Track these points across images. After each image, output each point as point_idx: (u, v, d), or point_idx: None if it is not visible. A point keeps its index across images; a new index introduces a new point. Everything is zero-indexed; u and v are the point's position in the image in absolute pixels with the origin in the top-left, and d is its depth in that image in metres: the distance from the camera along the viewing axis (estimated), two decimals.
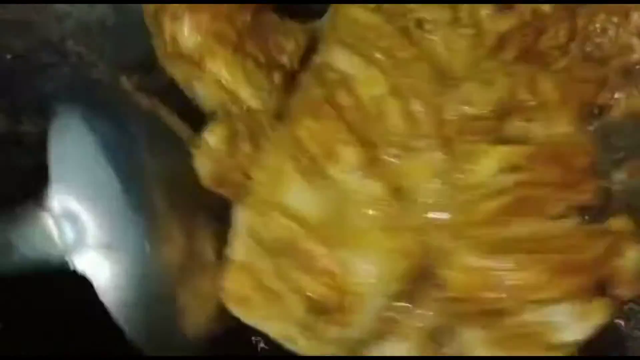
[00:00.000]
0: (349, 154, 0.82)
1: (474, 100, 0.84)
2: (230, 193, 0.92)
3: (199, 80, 0.98)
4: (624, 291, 0.86)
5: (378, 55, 0.86)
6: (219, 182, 0.91)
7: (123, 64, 1.09)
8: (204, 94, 0.99)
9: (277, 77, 0.98)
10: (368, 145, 0.83)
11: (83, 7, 1.10)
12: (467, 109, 0.84)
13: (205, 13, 0.97)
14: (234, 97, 0.96)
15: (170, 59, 1.00)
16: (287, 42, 1.02)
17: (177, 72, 1.01)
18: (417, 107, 0.83)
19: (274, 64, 0.99)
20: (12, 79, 1.09)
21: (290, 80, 0.99)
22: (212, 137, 0.91)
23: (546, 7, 0.92)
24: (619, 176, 0.93)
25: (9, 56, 1.10)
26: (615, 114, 0.99)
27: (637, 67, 0.98)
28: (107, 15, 1.11)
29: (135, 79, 1.02)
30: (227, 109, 0.98)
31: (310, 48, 1.01)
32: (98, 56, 1.10)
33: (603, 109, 0.97)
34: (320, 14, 1.07)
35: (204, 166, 0.91)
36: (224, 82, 0.96)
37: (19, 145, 1.07)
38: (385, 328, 0.85)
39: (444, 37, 0.87)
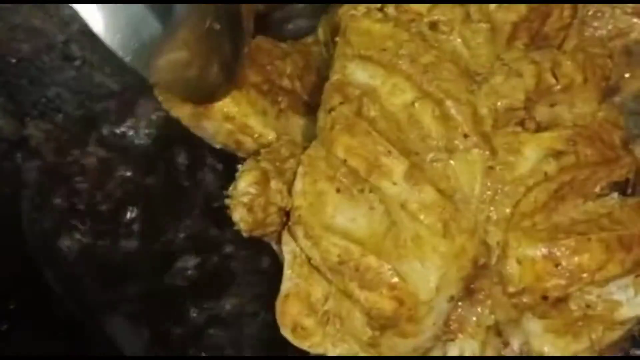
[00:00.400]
0: (394, 164, 0.81)
1: (506, 92, 0.85)
2: (270, 232, 0.92)
3: (207, 118, 0.98)
4: None
5: (401, 64, 0.86)
6: (256, 226, 0.91)
7: None
8: (213, 130, 0.99)
9: (282, 101, 0.99)
10: (409, 153, 0.83)
11: None
12: (500, 102, 0.85)
13: None
14: (243, 127, 0.97)
15: (173, 102, 1.00)
16: (285, 65, 1.03)
17: (184, 114, 1.00)
18: (450, 107, 0.84)
19: (276, 89, 1.00)
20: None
21: (300, 102, 1.00)
22: (243, 182, 0.90)
23: None
24: None
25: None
26: (625, 94, 1.02)
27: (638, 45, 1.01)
28: None
29: None
30: (238, 141, 0.98)
31: (307, 65, 1.02)
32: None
33: (613, 90, 1.00)
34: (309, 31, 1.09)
35: (239, 213, 0.90)
36: (231, 114, 0.97)
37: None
38: (451, 329, 0.86)
39: (461, 35, 0.88)
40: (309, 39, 1.08)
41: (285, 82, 1.01)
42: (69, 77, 1.12)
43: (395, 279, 0.80)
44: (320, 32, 1.07)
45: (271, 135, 0.97)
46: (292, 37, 1.10)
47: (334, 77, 0.90)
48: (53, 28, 1.11)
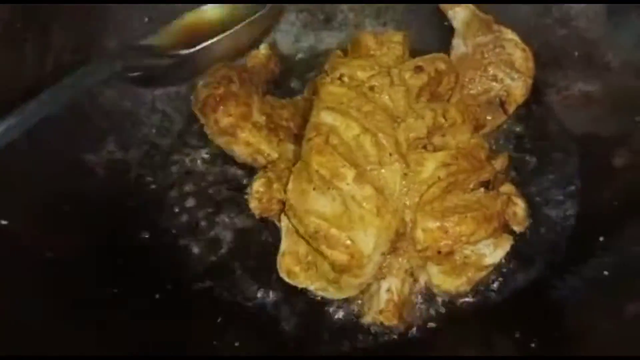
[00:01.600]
0: (347, 172, 0.83)
1: (415, 128, 0.87)
2: (274, 214, 0.95)
3: (235, 144, 1.00)
4: (519, 227, 0.93)
5: (351, 111, 0.88)
6: (264, 211, 0.94)
7: None
8: (239, 152, 1.01)
9: (282, 134, 1.01)
10: (356, 165, 0.84)
11: None
12: (411, 134, 0.87)
13: (232, 102, 0.99)
14: (259, 150, 0.99)
15: (216, 135, 1.01)
16: (284, 113, 1.05)
17: (221, 142, 1.02)
18: (381, 138, 0.86)
19: (279, 127, 1.01)
20: None
21: (291, 135, 1.02)
22: (256, 185, 0.94)
23: (442, 65, 0.96)
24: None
25: None
26: (488, 129, 1.05)
27: (497, 100, 1.04)
28: None
29: None
30: (255, 158, 1.01)
31: (297, 112, 1.04)
32: None
33: (481, 126, 1.03)
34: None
35: (253, 204, 0.94)
36: (250, 142, 0.99)
37: None
38: (382, 272, 0.87)
39: (388, 94, 0.89)
40: (299, 97, 1.09)
41: (284, 123, 1.03)
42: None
43: (349, 242, 0.81)
44: (306, 93, 1.09)
45: (275, 155, 0.99)
46: (289, 96, 1.11)
47: (312, 119, 0.91)
48: None
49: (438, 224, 0.84)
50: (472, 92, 1.04)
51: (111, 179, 1.03)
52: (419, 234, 0.85)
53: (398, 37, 0.98)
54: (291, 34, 1.22)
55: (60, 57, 1.02)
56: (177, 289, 0.93)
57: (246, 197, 0.95)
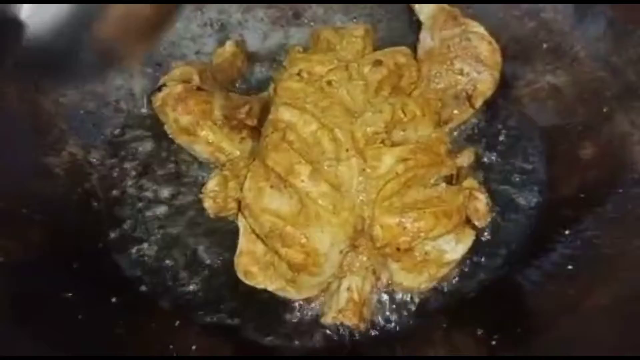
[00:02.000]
0: (302, 169, 0.82)
1: (372, 123, 0.86)
2: (230, 214, 0.93)
3: (196, 143, 0.98)
4: (481, 222, 0.91)
5: (308, 107, 0.87)
6: (219, 211, 0.92)
7: None
8: (200, 151, 0.99)
9: (244, 132, 0.99)
10: (312, 162, 0.83)
11: None
12: (369, 129, 0.86)
13: (191, 100, 0.97)
14: (220, 149, 0.97)
15: (176, 134, 0.99)
16: (247, 109, 1.02)
17: (182, 141, 1.00)
18: (338, 133, 0.85)
19: (241, 124, 0.99)
20: None
21: (254, 132, 0.99)
22: (210, 183, 0.92)
23: (402, 59, 0.95)
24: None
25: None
26: (454, 123, 1.03)
27: (463, 94, 1.03)
28: None
29: None
30: (216, 157, 0.99)
31: (263, 109, 1.03)
32: None
33: (447, 120, 1.01)
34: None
35: (207, 203, 0.92)
36: (211, 141, 0.97)
37: None
38: (343, 270, 0.86)
39: (346, 88, 0.89)
40: (265, 93, 1.07)
41: (248, 120, 1.00)
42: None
43: (304, 240, 0.80)
44: (271, 89, 1.07)
45: (236, 153, 0.97)
46: (257, 93, 1.09)
47: (270, 116, 0.91)
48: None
49: (396, 220, 0.83)
50: (438, 86, 1.01)
51: (72, 181, 1.01)
52: (377, 231, 0.84)
53: (359, 31, 0.97)
54: (260, 30, 1.20)
55: (19, 58, 1.02)
56: (136, 291, 0.92)
57: (200, 197, 0.91)
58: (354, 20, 1.22)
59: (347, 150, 0.84)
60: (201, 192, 0.92)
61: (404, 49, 0.98)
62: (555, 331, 0.77)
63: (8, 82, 1.01)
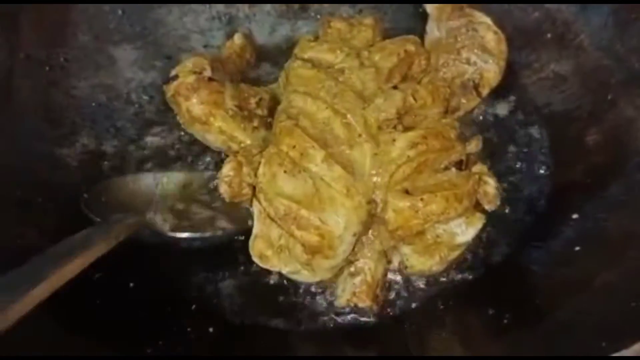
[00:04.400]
0: (316, 154, 0.84)
1: (384, 109, 0.88)
2: (245, 199, 0.94)
3: (209, 132, 1.00)
4: (491, 206, 0.93)
5: (320, 94, 0.89)
6: (234, 196, 0.93)
7: None
8: (213, 140, 1.01)
9: (255, 121, 1.01)
10: (326, 147, 0.85)
11: None
12: (381, 115, 0.88)
13: (204, 90, 0.99)
14: (232, 138, 0.99)
15: (189, 124, 1.01)
16: (258, 100, 1.04)
17: (194, 131, 1.02)
18: (350, 119, 0.87)
19: (252, 114, 1.01)
20: None
21: (265, 122, 1.02)
22: (225, 169, 0.93)
23: (411, 47, 0.98)
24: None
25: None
26: (462, 111, 1.06)
27: (470, 83, 1.06)
28: None
29: None
30: (229, 146, 1.02)
31: (272, 100, 1.05)
32: None
33: (455, 109, 1.04)
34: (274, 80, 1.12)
35: (223, 188, 0.93)
36: (224, 130, 0.99)
37: None
38: (355, 254, 0.89)
39: (357, 75, 0.91)
40: (273, 85, 1.09)
41: (258, 110, 1.03)
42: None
43: (319, 223, 0.82)
44: (280, 80, 1.08)
45: (248, 141, 0.98)
46: (264, 84, 1.11)
47: (283, 103, 0.94)
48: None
49: (408, 203, 0.84)
50: (446, 75, 1.04)
51: (85, 171, 1.03)
52: (390, 214, 0.86)
53: (369, 20, 1.00)
54: (267, 24, 1.23)
55: (31, 51, 1.03)
56: (154, 276, 0.94)
57: (216, 181, 0.94)
58: (360, 12, 1.25)
59: (359, 135, 0.86)
60: (216, 178, 0.93)
61: (413, 37, 1.00)
62: (565, 309, 0.79)
63: (21, 74, 1.03)
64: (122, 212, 0.91)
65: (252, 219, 0.92)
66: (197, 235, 0.93)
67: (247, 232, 0.92)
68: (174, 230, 0.93)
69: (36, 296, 0.65)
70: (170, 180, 1.00)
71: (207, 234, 0.93)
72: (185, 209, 0.97)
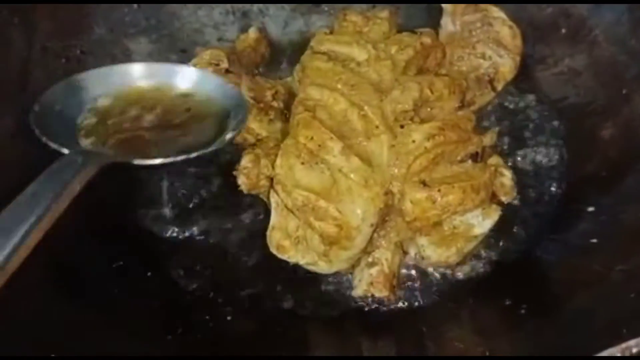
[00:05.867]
0: (334, 145, 0.85)
1: (401, 101, 0.89)
2: (263, 190, 0.94)
3: None
4: (507, 198, 0.94)
5: (337, 86, 0.90)
6: (252, 187, 0.93)
7: None
8: None
9: (271, 114, 1.01)
10: (343, 138, 0.86)
11: None
12: (398, 106, 0.89)
13: None
14: (248, 129, 0.99)
15: None
16: (273, 92, 1.05)
17: None
18: (367, 110, 0.88)
19: (268, 106, 1.01)
20: None
21: (280, 114, 1.02)
22: (243, 161, 0.93)
23: (427, 40, 0.99)
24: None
25: None
26: (477, 105, 1.07)
27: (485, 77, 1.06)
28: None
29: None
30: (245, 138, 1.02)
31: (288, 93, 1.06)
32: None
33: (470, 103, 1.05)
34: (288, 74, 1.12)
35: (241, 179, 0.93)
36: None
37: None
38: (372, 245, 0.89)
39: (374, 68, 0.92)
40: (289, 78, 1.09)
41: (274, 103, 1.03)
42: None
43: (337, 214, 0.83)
44: (295, 74, 1.08)
45: (264, 134, 0.99)
46: (279, 77, 1.11)
47: (299, 95, 0.94)
48: None
49: (426, 194, 0.85)
50: (460, 69, 1.05)
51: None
52: (407, 205, 0.86)
53: (384, 13, 1.01)
54: (280, 18, 1.23)
55: (47, 42, 1.03)
56: (168, 267, 0.94)
57: (235, 173, 0.94)
58: (374, 7, 1.25)
59: (376, 127, 0.87)
60: (235, 170, 0.94)
61: (429, 30, 1.01)
62: (582, 299, 0.80)
63: (37, 66, 1.03)
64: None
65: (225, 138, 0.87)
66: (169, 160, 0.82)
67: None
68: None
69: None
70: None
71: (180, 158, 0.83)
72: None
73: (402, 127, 0.87)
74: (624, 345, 0.60)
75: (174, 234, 0.99)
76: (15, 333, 0.71)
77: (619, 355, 0.61)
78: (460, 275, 0.93)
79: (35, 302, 0.79)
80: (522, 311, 0.83)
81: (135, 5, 1.17)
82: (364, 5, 1.23)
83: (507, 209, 0.93)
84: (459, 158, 0.90)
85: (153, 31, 1.17)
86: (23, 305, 0.75)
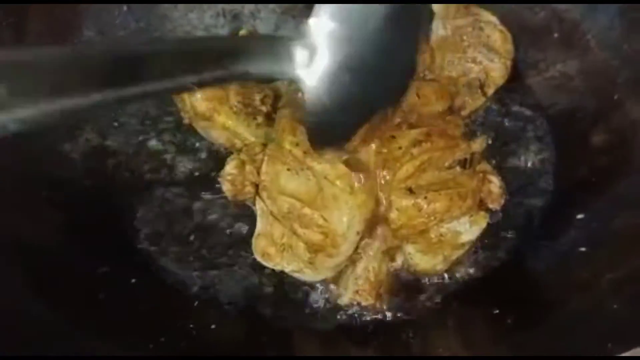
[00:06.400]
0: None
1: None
2: (248, 197, 0.93)
3: (213, 129, 1.00)
4: (495, 205, 0.93)
5: None
6: (237, 194, 0.93)
7: None
8: (216, 136, 1.01)
9: (259, 118, 1.01)
10: None
11: None
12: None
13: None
14: (236, 134, 0.98)
15: (193, 120, 1.01)
16: (262, 97, 1.03)
17: (199, 127, 1.02)
18: None
19: (256, 110, 1.00)
20: None
21: (269, 119, 1.00)
22: (228, 167, 0.93)
23: None
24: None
25: None
26: (467, 110, 1.06)
27: (476, 82, 1.05)
28: None
29: None
30: (232, 142, 1.01)
31: (277, 97, 1.05)
32: None
33: (460, 108, 1.04)
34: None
35: (226, 186, 0.93)
36: (227, 126, 0.98)
37: None
38: (358, 254, 0.88)
39: None
40: (276, 83, 1.06)
41: (262, 107, 1.02)
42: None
43: (322, 221, 0.82)
44: None
45: (252, 138, 0.98)
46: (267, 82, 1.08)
47: (284, 100, 0.94)
48: None
49: (412, 201, 0.84)
50: (451, 74, 1.04)
51: (88, 165, 1.03)
52: (394, 213, 0.85)
53: None
54: (271, 21, 1.23)
55: (38, 42, 1.03)
56: (156, 273, 0.94)
57: (219, 179, 0.93)
58: None
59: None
60: (220, 176, 0.93)
61: None
62: (570, 309, 0.79)
63: None
64: None
65: None
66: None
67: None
68: None
69: None
70: None
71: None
72: None
73: (393, 137, 0.86)
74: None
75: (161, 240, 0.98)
76: None
77: None
78: (447, 283, 0.92)
79: (17, 305, 0.80)
80: (509, 320, 0.82)
81: (125, 7, 1.15)
82: None
83: (495, 216, 0.93)
84: (447, 164, 0.89)
85: (143, 33, 1.16)
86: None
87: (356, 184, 0.83)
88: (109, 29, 1.14)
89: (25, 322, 0.79)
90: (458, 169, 0.89)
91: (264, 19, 1.23)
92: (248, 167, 0.91)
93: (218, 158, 1.03)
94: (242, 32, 1.17)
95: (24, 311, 0.80)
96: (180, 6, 1.20)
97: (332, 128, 0.78)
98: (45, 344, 0.76)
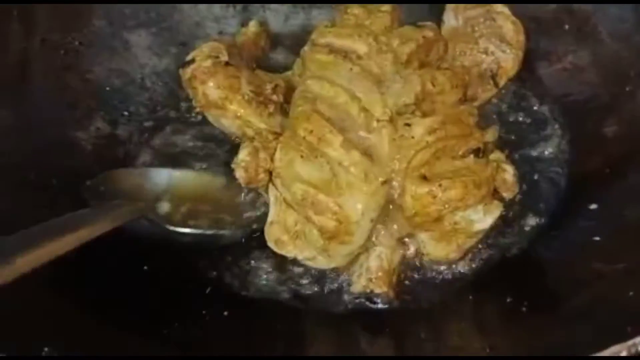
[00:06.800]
0: (334, 138, 0.84)
1: (402, 94, 0.87)
2: (261, 185, 0.93)
3: (224, 117, 0.99)
4: (509, 194, 0.93)
5: (338, 79, 0.89)
6: (250, 181, 0.92)
7: None
8: (228, 125, 1.00)
9: (271, 107, 1.00)
10: (343, 131, 0.84)
11: None
12: (399, 100, 0.87)
13: (220, 75, 0.98)
14: (248, 123, 0.98)
15: (204, 108, 1.01)
16: (273, 86, 1.03)
17: (210, 115, 1.02)
18: (368, 104, 0.86)
19: (268, 100, 1.00)
20: None
21: (280, 108, 1.01)
22: (241, 154, 0.93)
23: (430, 34, 0.98)
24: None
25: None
26: (479, 100, 1.06)
27: (488, 72, 1.05)
28: None
29: None
30: (244, 131, 1.01)
31: (288, 87, 1.05)
32: None
33: (473, 98, 1.04)
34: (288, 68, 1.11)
35: (239, 173, 0.92)
36: (239, 115, 0.98)
37: None
38: (372, 242, 0.89)
39: (375, 61, 0.91)
40: (289, 72, 1.08)
41: (273, 96, 1.01)
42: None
43: (336, 208, 0.81)
44: (295, 68, 1.07)
45: (263, 127, 0.98)
46: (279, 71, 1.10)
47: (299, 88, 0.93)
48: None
49: (426, 189, 0.84)
50: (463, 65, 1.04)
51: (99, 154, 1.03)
52: (408, 200, 0.85)
53: (386, 7, 0.99)
54: (281, 12, 1.23)
55: (46, 35, 1.03)
56: (167, 259, 0.93)
57: (232, 166, 0.93)
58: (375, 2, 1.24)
59: (377, 120, 0.85)
60: (233, 163, 0.93)
61: (431, 24, 1.00)
62: (584, 296, 0.79)
63: (36, 58, 1.03)
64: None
65: (256, 223, 0.93)
66: (198, 232, 0.92)
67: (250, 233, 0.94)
68: (175, 225, 0.91)
69: (25, 262, 0.64)
70: (181, 177, 0.99)
71: (209, 232, 0.92)
72: (192, 208, 0.96)
73: (408, 125, 0.86)
74: (630, 342, 0.59)
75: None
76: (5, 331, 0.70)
77: (625, 354, 0.59)
78: (460, 271, 0.92)
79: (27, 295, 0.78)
80: (523, 308, 0.81)
81: None
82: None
83: (508, 205, 0.93)
84: (460, 153, 0.88)
85: (153, 24, 1.17)
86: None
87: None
88: (118, 20, 1.14)
89: (37, 313, 0.78)
90: (472, 157, 0.89)
91: (273, 10, 1.23)
92: (261, 154, 0.91)
93: (231, 146, 1.03)
94: (252, 23, 1.17)
95: (35, 301, 0.78)
96: None
97: None
98: (56, 333, 0.75)
